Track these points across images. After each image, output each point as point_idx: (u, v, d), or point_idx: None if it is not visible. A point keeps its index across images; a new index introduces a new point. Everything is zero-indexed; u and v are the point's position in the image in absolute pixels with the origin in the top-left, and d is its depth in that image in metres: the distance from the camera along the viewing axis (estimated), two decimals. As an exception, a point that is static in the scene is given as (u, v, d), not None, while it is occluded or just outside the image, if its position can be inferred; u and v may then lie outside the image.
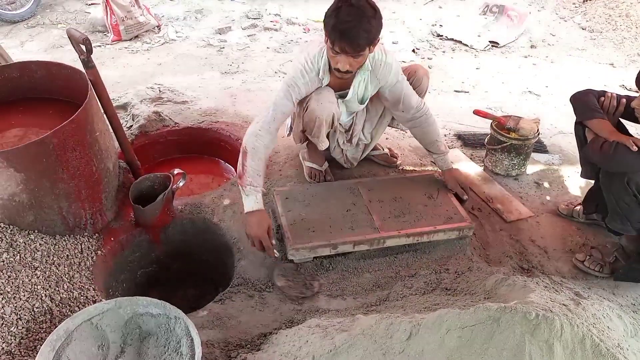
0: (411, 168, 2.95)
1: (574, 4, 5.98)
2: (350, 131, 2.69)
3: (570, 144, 3.37)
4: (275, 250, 2.26)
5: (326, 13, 2.10)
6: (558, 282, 2.24)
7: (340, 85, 2.38)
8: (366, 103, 2.52)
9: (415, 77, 2.55)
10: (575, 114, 2.31)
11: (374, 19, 2.05)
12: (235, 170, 3.09)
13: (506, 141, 2.84)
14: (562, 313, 1.57)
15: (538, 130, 2.88)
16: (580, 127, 2.36)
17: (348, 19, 2.01)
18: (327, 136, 2.57)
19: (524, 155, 2.91)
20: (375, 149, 2.92)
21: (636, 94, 2.13)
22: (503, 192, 2.85)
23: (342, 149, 2.75)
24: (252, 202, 2.24)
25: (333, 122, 2.44)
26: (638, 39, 5.14)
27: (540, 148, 3.24)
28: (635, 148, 1.99)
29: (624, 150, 2.02)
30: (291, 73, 2.31)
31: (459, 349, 1.50)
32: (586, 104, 2.25)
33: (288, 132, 2.79)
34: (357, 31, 2.02)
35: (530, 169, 3.05)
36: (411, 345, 1.57)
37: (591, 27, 5.46)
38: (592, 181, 2.50)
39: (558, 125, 3.60)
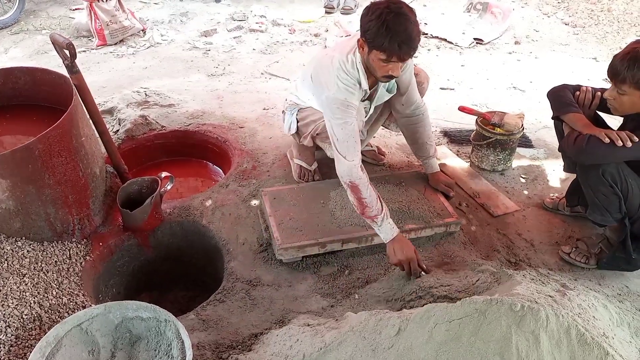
0: (398, 165, 2.97)
1: (556, -1, 6.05)
2: None
3: (554, 138, 3.40)
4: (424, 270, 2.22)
5: (367, 25, 2.04)
6: (545, 274, 2.26)
7: (371, 86, 2.35)
8: (394, 91, 2.47)
9: (416, 80, 2.56)
10: (551, 109, 2.34)
11: (417, 20, 2.06)
12: (224, 172, 3.11)
13: (491, 137, 2.86)
14: (547, 304, 1.60)
15: (522, 125, 2.91)
16: (559, 122, 2.39)
17: (401, 29, 1.99)
18: None
19: (509, 150, 2.94)
20: (364, 145, 2.93)
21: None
22: (489, 187, 2.87)
23: None
24: (389, 230, 2.19)
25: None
26: (620, 34, 5.21)
27: (526, 143, 3.28)
28: (607, 140, 2.01)
29: (596, 143, 2.04)
30: (339, 96, 2.19)
31: (447, 343, 1.52)
32: (561, 99, 2.28)
33: (288, 131, 2.70)
34: (415, 40, 2.02)
35: (516, 163, 3.09)
36: (400, 341, 1.59)
37: (574, 23, 5.52)
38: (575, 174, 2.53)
39: (543, 119, 3.63)
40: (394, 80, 2.37)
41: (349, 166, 2.17)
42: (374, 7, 2.04)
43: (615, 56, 2.06)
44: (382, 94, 2.46)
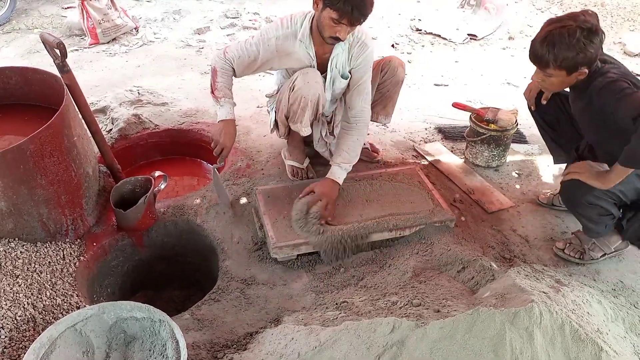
0: (392, 162, 2.97)
1: (550, -6, 6.05)
2: (332, 123, 2.70)
3: (549, 133, 3.42)
4: (222, 162, 2.47)
5: None
6: (539, 270, 2.27)
7: (320, 59, 2.42)
8: (348, 79, 2.48)
9: (389, 67, 2.58)
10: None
11: None
12: (219, 170, 3.10)
13: (485, 133, 2.86)
14: (541, 300, 1.60)
15: (516, 121, 2.91)
16: (535, 114, 2.50)
17: None
18: (311, 126, 2.56)
19: (503, 146, 2.94)
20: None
21: None
22: (484, 184, 2.88)
23: (326, 142, 2.76)
24: (225, 112, 2.38)
25: (318, 106, 2.41)
26: (614, 28, 5.21)
27: (520, 139, 3.28)
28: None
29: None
30: (267, 26, 2.42)
31: (441, 340, 1.52)
32: None
33: (271, 128, 2.76)
34: (367, 6, 2.14)
35: (510, 159, 3.09)
36: (394, 339, 1.58)
37: (567, 18, 5.52)
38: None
39: (537, 115, 3.64)
40: (345, 68, 2.43)
41: (220, 56, 2.41)
42: None
43: (533, 41, 2.08)
44: (335, 76, 2.47)
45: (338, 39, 2.23)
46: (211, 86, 2.41)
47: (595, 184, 2.05)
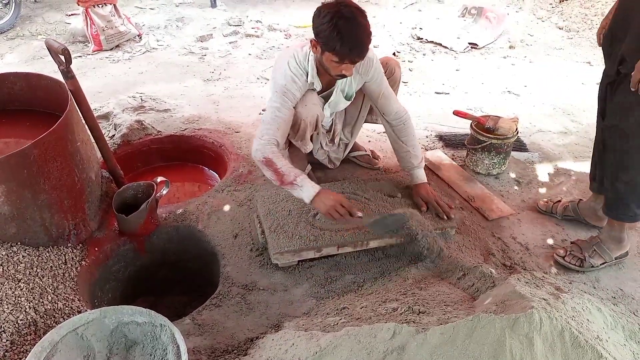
0: (393, 169, 2.98)
1: (550, 4, 6.09)
2: (332, 132, 2.73)
3: (549, 142, 3.44)
4: (358, 211, 2.26)
5: (320, 28, 2.11)
6: (539, 277, 2.26)
7: (326, 85, 2.43)
8: (352, 99, 2.54)
9: (387, 68, 2.61)
10: None
11: (368, 22, 2.12)
12: (220, 176, 3.12)
13: (486, 141, 2.88)
14: (541, 307, 1.60)
15: (517, 129, 2.93)
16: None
17: (352, 34, 2.06)
18: (311, 139, 2.60)
19: (503, 154, 2.96)
20: (357, 149, 2.95)
21: None
22: (484, 191, 2.89)
23: (325, 150, 2.79)
24: (310, 188, 2.20)
25: (317, 124, 2.48)
26: (614, 37, 5.24)
27: (520, 147, 3.29)
28: None
29: None
30: (281, 81, 2.30)
31: (442, 346, 1.53)
32: None
33: None
34: (365, 44, 2.11)
35: (511, 167, 3.10)
36: (395, 344, 1.59)
37: (568, 27, 5.56)
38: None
39: (537, 123, 3.66)
40: (351, 88, 2.47)
41: (262, 144, 2.21)
42: (325, 10, 2.10)
43: None
44: (339, 99, 2.51)
45: (345, 76, 2.24)
46: (277, 178, 2.20)
47: None
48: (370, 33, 2.13)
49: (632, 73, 1.95)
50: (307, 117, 2.39)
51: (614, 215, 2.34)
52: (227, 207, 2.66)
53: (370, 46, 2.36)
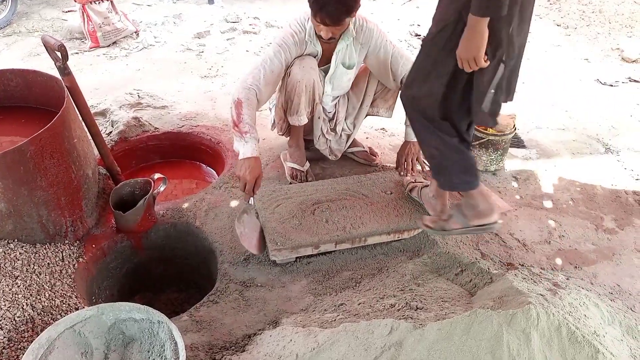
0: (391, 166, 2.98)
1: (548, 1, 6.09)
2: (334, 119, 2.73)
3: (547, 138, 3.44)
4: (251, 198, 2.33)
5: None
6: (537, 273, 2.28)
7: (327, 52, 2.48)
8: (353, 67, 2.55)
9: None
10: None
11: None
12: (218, 173, 3.12)
13: (483, 137, 2.88)
14: (538, 302, 1.61)
15: (514, 125, 2.93)
16: None
17: None
18: (312, 122, 2.63)
19: (501, 151, 2.96)
20: (355, 146, 2.95)
21: None
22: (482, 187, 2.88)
23: (327, 139, 2.78)
24: (250, 148, 2.22)
25: (314, 93, 2.49)
26: (611, 34, 5.24)
27: (518, 143, 3.30)
28: None
29: None
30: (281, 35, 2.41)
31: (439, 342, 1.53)
32: None
33: (272, 124, 2.84)
34: (334, 5, 2.17)
35: (508, 163, 3.10)
36: (392, 340, 1.59)
37: (566, 24, 5.55)
38: None
39: (535, 120, 3.66)
40: (352, 58, 2.51)
41: (243, 85, 2.28)
42: None
43: None
44: (339, 70, 2.54)
45: (322, 38, 2.34)
46: (233, 120, 2.25)
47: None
48: (346, 1, 2.18)
49: None
50: (303, 80, 2.40)
51: None
52: (234, 203, 2.67)
53: (370, 17, 2.40)
